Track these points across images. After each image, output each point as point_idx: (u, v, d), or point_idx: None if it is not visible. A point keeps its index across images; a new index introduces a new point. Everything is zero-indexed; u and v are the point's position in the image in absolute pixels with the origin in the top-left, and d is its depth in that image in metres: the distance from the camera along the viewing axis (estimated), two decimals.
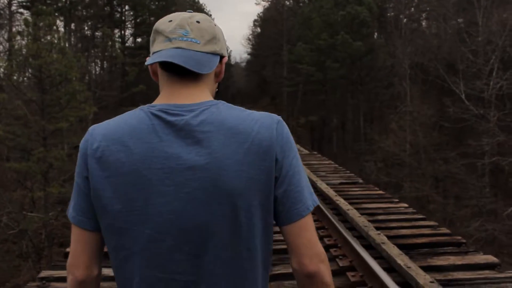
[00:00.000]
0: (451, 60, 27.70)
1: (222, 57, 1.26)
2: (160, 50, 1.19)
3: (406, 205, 6.33)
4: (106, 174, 1.12)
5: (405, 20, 35.89)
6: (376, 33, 35.79)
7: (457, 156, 24.97)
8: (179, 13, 1.25)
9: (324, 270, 1.15)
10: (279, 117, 1.22)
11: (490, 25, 25.07)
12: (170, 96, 1.19)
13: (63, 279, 3.70)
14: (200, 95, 1.19)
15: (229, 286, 1.13)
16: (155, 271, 1.11)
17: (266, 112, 1.23)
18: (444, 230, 5.07)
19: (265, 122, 1.17)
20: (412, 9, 37.51)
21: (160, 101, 1.19)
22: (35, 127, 16.31)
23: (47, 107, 16.59)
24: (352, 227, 5.17)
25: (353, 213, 5.48)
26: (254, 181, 1.12)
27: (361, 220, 5.12)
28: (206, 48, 1.20)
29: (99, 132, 1.17)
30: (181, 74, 1.18)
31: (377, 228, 4.98)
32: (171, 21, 1.21)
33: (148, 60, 1.20)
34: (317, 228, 5.40)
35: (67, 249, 4.50)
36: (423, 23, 39.48)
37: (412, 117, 27.94)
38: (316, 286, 1.16)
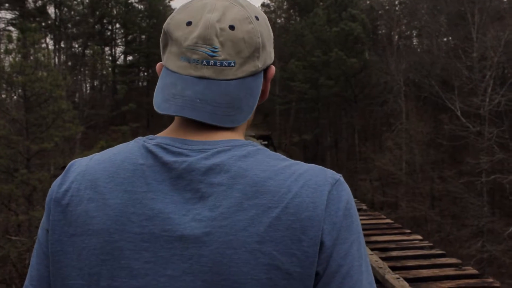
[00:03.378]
0: (445, 76, 27.59)
1: (266, 69, 0.90)
2: (174, 72, 0.84)
3: (420, 237, 5.72)
4: (70, 230, 0.79)
5: (396, 37, 35.95)
6: (369, 50, 35.74)
7: (454, 175, 24.68)
8: (203, 3, 0.86)
9: None
10: (339, 176, 0.82)
11: (485, 41, 24.95)
12: (179, 128, 0.85)
13: None
14: (223, 131, 0.83)
15: None
16: None
17: (319, 166, 0.83)
18: (471, 270, 4.44)
19: (313, 181, 0.78)
20: (403, 26, 37.64)
21: (165, 133, 0.86)
22: (19, 148, 15.85)
23: (31, 127, 16.25)
24: None
25: None
26: (280, 274, 0.71)
27: (374, 259, 4.47)
28: (244, 71, 0.84)
29: (76, 168, 0.84)
30: None
31: (393, 269, 4.35)
32: (190, 23, 0.84)
33: (155, 100, 0.85)
34: None
35: None
36: (414, 40, 39.69)
37: (408, 134, 27.67)
38: None
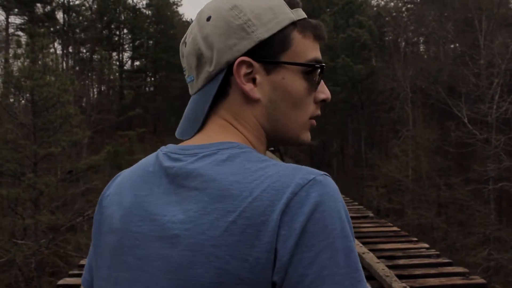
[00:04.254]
0: (452, 83, 27.52)
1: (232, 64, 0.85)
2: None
3: (427, 245, 5.69)
4: (102, 228, 0.91)
5: (403, 43, 35.93)
6: (376, 56, 35.73)
7: (461, 182, 24.56)
8: (192, 23, 0.92)
9: None
10: (315, 175, 0.74)
11: (492, 48, 24.89)
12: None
13: None
14: (221, 133, 0.85)
15: None
16: None
17: (298, 166, 0.77)
18: (478, 279, 4.41)
19: (279, 182, 0.73)
20: (410, 33, 37.60)
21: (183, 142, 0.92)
22: (26, 152, 15.90)
23: (39, 131, 16.34)
24: (371, 276, 4.50)
25: (370, 257, 4.81)
26: (233, 279, 0.70)
27: (381, 268, 4.45)
28: (200, 80, 0.88)
29: (119, 175, 0.96)
30: None
31: (400, 277, 4.33)
32: (184, 42, 0.92)
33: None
34: None
35: (60, 282, 4.35)
36: (421, 47, 39.65)
37: (415, 141, 27.58)
38: None
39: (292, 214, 0.70)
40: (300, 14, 0.88)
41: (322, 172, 0.77)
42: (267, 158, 0.79)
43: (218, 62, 0.84)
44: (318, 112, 0.92)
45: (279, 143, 0.93)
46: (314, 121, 0.92)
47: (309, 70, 0.87)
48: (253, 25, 0.84)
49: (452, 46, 32.62)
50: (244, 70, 0.84)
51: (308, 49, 0.87)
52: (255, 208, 0.71)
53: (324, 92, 0.91)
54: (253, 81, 0.85)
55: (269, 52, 0.84)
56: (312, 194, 0.72)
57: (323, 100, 0.92)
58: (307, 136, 0.92)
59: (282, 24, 0.84)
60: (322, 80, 0.91)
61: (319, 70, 0.88)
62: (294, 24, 0.86)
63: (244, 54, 0.84)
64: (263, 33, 0.84)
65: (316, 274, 0.68)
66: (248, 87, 0.84)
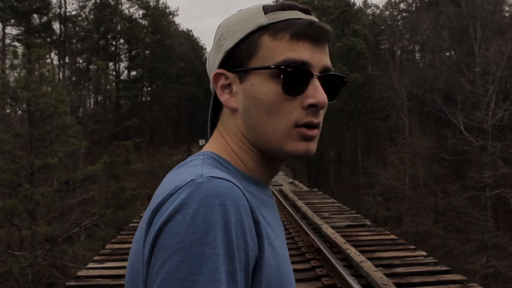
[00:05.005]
0: (448, 91, 27.59)
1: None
2: None
3: (424, 253, 5.66)
4: None
5: (399, 52, 36.04)
6: (372, 65, 35.84)
7: (458, 189, 24.55)
8: None
9: None
10: (205, 177, 0.72)
11: (487, 56, 24.99)
12: None
13: None
14: (210, 143, 0.90)
15: None
16: None
17: (202, 171, 0.75)
18: (476, 286, 4.40)
19: (169, 185, 0.75)
20: (406, 41, 37.74)
21: None
22: (22, 162, 15.83)
23: (35, 142, 16.26)
24: (369, 284, 4.48)
25: (367, 266, 4.79)
26: (134, 273, 0.77)
27: (379, 276, 4.43)
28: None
29: None
30: None
31: (398, 285, 4.31)
32: None
33: None
34: None
35: None
36: (417, 55, 39.77)
37: (412, 149, 27.60)
38: None
39: (160, 214, 0.71)
40: (277, 17, 0.82)
41: (217, 176, 0.73)
42: (197, 164, 0.79)
43: (210, 78, 0.88)
44: (309, 119, 0.81)
45: (271, 154, 0.85)
46: (304, 130, 0.81)
47: (279, 72, 0.79)
48: (224, 38, 0.85)
49: (447, 54, 32.75)
50: (222, 81, 0.85)
51: (278, 51, 0.80)
52: (149, 209, 0.75)
53: (314, 96, 0.80)
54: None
55: (238, 61, 0.83)
56: (181, 196, 0.70)
57: (313, 105, 0.81)
58: (294, 146, 0.82)
59: (245, 32, 0.83)
60: (315, 83, 0.81)
61: (292, 70, 0.79)
62: (264, 28, 0.82)
63: (221, 67, 0.85)
64: (229, 44, 0.84)
65: (164, 276, 0.67)
66: (224, 97, 0.85)
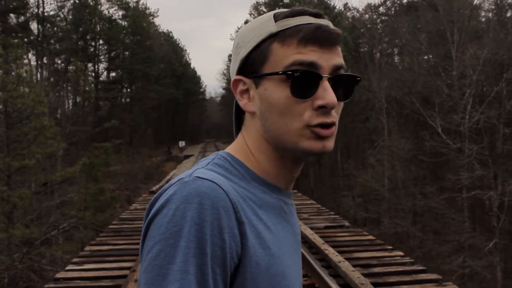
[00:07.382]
0: (426, 94, 27.92)
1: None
2: None
3: (401, 253, 5.76)
4: None
5: (378, 55, 36.36)
6: (351, 68, 36.09)
7: (436, 191, 24.87)
8: None
9: None
10: (193, 177, 0.80)
11: (464, 59, 25.38)
12: None
13: None
14: (233, 144, 0.97)
15: None
16: None
17: (197, 170, 0.84)
18: (451, 285, 4.50)
19: (167, 185, 0.84)
20: (385, 44, 38.09)
21: None
22: None
23: (12, 143, 16.01)
24: (346, 284, 4.55)
25: (345, 266, 4.86)
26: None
27: (356, 276, 4.51)
28: None
29: None
30: None
31: (375, 285, 4.39)
32: None
33: None
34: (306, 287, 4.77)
35: None
36: (396, 58, 40.17)
37: (390, 151, 27.86)
38: None
39: (154, 208, 0.80)
40: (287, 23, 0.88)
41: (203, 176, 0.80)
42: (202, 165, 0.88)
43: (232, 71, 0.96)
44: (321, 119, 0.85)
45: (289, 154, 0.90)
46: (318, 129, 0.85)
47: (287, 77, 0.85)
48: (240, 47, 0.93)
49: (425, 57, 33.13)
50: (240, 87, 0.93)
51: (286, 56, 0.86)
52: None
53: (323, 98, 0.85)
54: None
55: (253, 67, 0.90)
56: (169, 193, 0.79)
57: (322, 106, 0.85)
58: (309, 145, 0.86)
59: (257, 40, 0.89)
60: (325, 85, 0.85)
61: (299, 74, 0.84)
62: (274, 35, 0.88)
63: (238, 74, 0.93)
64: (243, 52, 0.91)
65: (148, 262, 0.75)
66: (243, 102, 0.93)
